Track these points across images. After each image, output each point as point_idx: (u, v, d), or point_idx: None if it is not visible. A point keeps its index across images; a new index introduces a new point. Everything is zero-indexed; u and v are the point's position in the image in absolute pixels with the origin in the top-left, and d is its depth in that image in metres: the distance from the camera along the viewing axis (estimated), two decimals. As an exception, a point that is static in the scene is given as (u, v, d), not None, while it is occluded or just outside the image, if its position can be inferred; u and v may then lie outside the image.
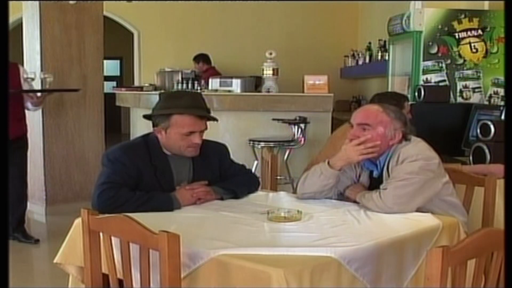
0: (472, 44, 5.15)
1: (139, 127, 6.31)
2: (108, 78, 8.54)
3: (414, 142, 2.57)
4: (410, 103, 4.75)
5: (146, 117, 2.62)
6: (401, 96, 3.98)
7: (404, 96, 3.96)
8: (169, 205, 2.39)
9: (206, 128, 2.56)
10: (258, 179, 2.83)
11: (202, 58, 8.33)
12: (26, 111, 4.63)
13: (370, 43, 7.85)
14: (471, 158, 3.65)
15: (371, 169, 2.62)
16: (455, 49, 5.13)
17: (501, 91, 5.14)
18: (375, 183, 2.55)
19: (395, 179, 2.43)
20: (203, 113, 2.53)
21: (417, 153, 2.48)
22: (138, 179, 2.46)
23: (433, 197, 2.49)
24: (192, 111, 2.49)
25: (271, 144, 5.58)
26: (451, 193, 2.60)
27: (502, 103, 4.93)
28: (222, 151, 2.75)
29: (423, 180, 2.42)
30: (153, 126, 2.58)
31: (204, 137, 2.61)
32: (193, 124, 2.49)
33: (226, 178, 2.66)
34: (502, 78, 5.10)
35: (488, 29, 5.14)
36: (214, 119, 2.63)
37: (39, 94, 4.51)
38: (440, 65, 5.14)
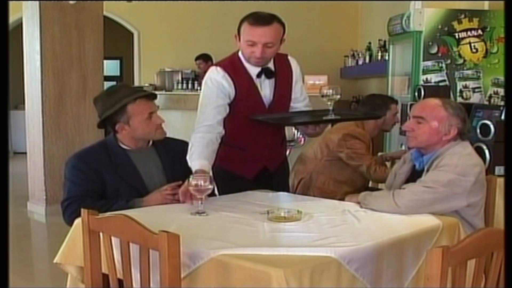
0: (472, 44, 5.15)
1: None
2: (108, 78, 8.54)
3: (464, 153, 2.50)
4: (410, 103, 4.77)
5: (100, 126, 2.68)
6: (389, 98, 4.10)
7: (391, 98, 4.07)
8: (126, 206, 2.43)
9: (158, 107, 2.64)
10: None
11: (208, 58, 8.35)
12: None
13: (370, 43, 7.84)
14: (471, 158, 3.65)
15: (415, 163, 2.62)
16: (455, 49, 5.14)
17: (501, 91, 5.14)
18: (415, 176, 2.55)
19: (420, 183, 2.41)
20: (147, 93, 2.62)
21: (456, 165, 2.41)
22: (101, 181, 2.51)
23: (450, 212, 2.42)
24: (139, 94, 2.57)
25: (271, 144, 5.57)
26: (475, 214, 2.51)
27: (502, 103, 4.93)
28: (187, 147, 2.76)
29: (445, 193, 2.37)
30: (111, 127, 2.60)
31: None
32: (149, 106, 2.57)
33: None
34: (502, 78, 5.11)
35: (488, 29, 5.14)
36: (155, 97, 2.69)
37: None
38: (440, 65, 5.14)
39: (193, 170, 2.52)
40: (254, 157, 2.95)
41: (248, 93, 2.81)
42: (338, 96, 2.73)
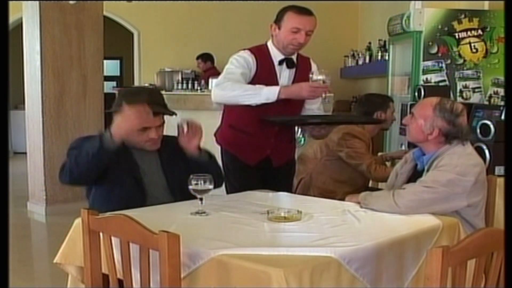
0: (472, 44, 5.15)
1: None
2: (108, 78, 8.55)
3: (464, 153, 2.50)
4: (410, 103, 4.78)
5: (108, 114, 2.70)
6: (387, 96, 4.19)
7: (389, 97, 4.14)
8: (95, 140, 2.41)
9: (163, 123, 2.59)
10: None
11: (208, 57, 8.36)
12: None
13: (370, 43, 7.84)
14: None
15: (416, 162, 2.64)
16: (455, 49, 5.13)
17: (501, 91, 5.14)
18: (416, 176, 2.56)
19: (420, 183, 2.41)
20: (156, 109, 2.55)
21: (455, 165, 2.41)
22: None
23: (451, 212, 2.42)
24: (145, 108, 2.50)
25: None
26: (476, 215, 2.51)
27: (502, 103, 4.93)
28: None
29: (445, 193, 2.37)
30: (110, 121, 2.61)
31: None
32: (147, 121, 2.51)
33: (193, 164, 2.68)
34: (502, 78, 5.10)
35: (488, 29, 5.14)
36: (171, 114, 2.64)
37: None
38: (440, 65, 5.14)
39: (275, 93, 2.79)
40: (260, 144, 3.06)
41: (266, 76, 2.98)
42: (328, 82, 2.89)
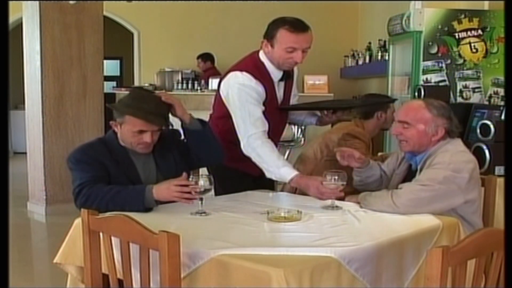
0: (472, 44, 5.15)
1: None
2: (108, 78, 8.55)
3: (456, 150, 2.51)
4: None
5: (108, 107, 2.68)
6: (387, 97, 4.26)
7: (390, 97, 4.26)
8: (138, 200, 2.35)
9: (160, 129, 2.57)
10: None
11: (208, 57, 8.36)
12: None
13: (370, 43, 7.84)
14: (471, 158, 3.65)
15: (410, 162, 2.64)
16: (455, 49, 5.13)
17: (501, 91, 5.14)
18: (411, 176, 2.56)
19: (416, 181, 2.43)
20: (157, 122, 2.52)
21: (449, 162, 2.42)
22: (106, 171, 2.50)
23: (449, 210, 2.43)
24: (148, 117, 2.49)
25: (271, 144, 5.57)
26: (473, 212, 2.52)
27: (502, 103, 4.93)
28: (176, 136, 2.76)
29: (442, 190, 2.38)
30: (109, 119, 2.62)
31: None
32: (145, 125, 2.51)
33: (189, 149, 2.70)
34: (502, 78, 5.10)
35: (488, 29, 5.14)
36: (168, 126, 2.62)
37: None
38: (440, 65, 5.13)
39: (287, 178, 2.64)
40: None
41: (270, 97, 2.88)
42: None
